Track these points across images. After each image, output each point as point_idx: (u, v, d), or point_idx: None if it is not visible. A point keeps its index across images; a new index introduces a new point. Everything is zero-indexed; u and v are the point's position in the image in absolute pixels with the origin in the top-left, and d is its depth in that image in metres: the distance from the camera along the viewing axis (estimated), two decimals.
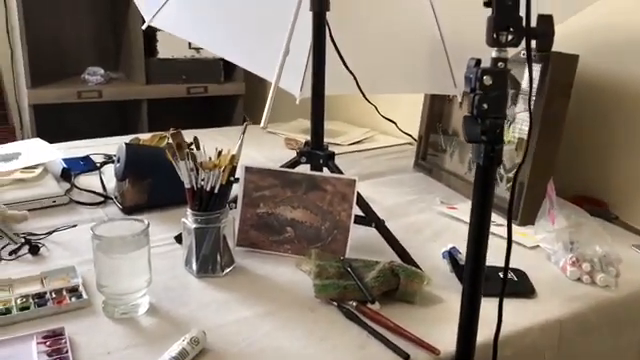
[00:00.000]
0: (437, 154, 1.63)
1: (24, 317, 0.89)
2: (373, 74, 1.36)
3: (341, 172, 1.17)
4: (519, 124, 1.32)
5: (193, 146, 1.05)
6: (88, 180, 1.49)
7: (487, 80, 0.68)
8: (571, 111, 1.26)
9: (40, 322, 0.88)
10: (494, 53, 0.68)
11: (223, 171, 1.01)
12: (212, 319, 0.91)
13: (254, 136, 1.07)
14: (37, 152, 1.55)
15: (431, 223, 1.30)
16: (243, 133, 1.06)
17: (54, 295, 0.94)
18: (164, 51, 2.61)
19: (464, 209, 1.33)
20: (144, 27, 1.48)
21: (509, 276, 1.03)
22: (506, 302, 0.76)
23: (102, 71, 2.65)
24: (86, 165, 1.58)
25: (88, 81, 2.60)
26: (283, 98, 1.48)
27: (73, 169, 1.51)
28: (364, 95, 1.37)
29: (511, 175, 1.34)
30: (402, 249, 1.08)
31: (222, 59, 2.61)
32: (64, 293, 0.95)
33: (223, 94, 2.78)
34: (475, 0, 0.67)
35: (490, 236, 0.73)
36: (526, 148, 0.97)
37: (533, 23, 0.67)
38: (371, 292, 0.94)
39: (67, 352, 0.81)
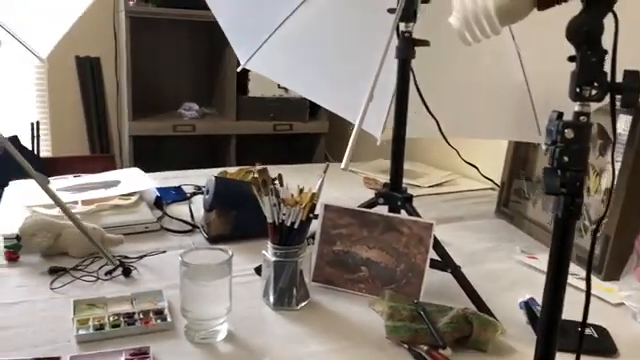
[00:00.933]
0: (520, 201, 1.60)
1: (115, 334, 0.96)
2: (455, 118, 1.37)
3: (419, 215, 1.18)
4: (609, 175, 1.27)
5: (277, 182, 1.10)
6: (178, 209, 1.58)
7: (569, 133, 0.68)
8: None
9: (128, 340, 0.95)
10: (577, 107, 0.68)
11: (303, 208, 1.05)
12: (284, 351, 0.94)
13: (334, 174, 1.11)
14: (134, 181, 1.68)
15: (509, 272, 1.28)
16: (324, 172, 1.10)
17: (142, 316, 1.01)
18: (255, 90, 2.75)
19: (545, 260, 1.28)
20: (239, 69, 1.58)
21: (589, 332, 0.99)
22: (584, 359, 0.74)
23: (197, 107, 2.82)
24: (177, 195, 1.69)
25: (183, 115, 2.78)
26: (364, 138, 1.51)
27: (165, 198, 1.62)
28: (446, 140, 1.38)
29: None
30: (477, 296, 1.07)
31: (307, 99, 2.71)
32: (151, 315, 1.01)
33: (307, 132, 2.89)
34: (562, 48, 0.68)
35: (572, 290, 0.72)
36: (608, 201, 0.95)
37: (619, 78, 0.67)
38: (442, 337, 0.94)
39: None
